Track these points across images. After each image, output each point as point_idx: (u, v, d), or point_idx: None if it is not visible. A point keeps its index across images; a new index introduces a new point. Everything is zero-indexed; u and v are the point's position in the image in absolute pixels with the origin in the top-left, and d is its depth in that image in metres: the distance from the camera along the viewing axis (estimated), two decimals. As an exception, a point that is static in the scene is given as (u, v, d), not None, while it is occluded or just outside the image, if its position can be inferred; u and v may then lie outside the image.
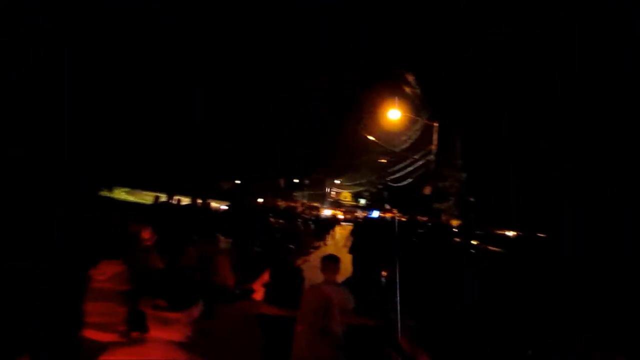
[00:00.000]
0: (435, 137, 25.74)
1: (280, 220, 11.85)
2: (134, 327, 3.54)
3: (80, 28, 14.86)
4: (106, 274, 3.80)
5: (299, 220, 14.29)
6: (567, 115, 17.09)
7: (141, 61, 18.24)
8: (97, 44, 16.11)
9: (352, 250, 10.43)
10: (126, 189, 25.09)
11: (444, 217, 26.70)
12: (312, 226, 16.90)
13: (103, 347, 3.31)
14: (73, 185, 15.13)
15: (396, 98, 27.06)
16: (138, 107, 18.55)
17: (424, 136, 28.18)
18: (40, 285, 4.11)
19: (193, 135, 22.36)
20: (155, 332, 1.84)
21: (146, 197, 27.19)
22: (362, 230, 11.07)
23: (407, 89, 26.04)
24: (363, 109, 33.30)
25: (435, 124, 25.58)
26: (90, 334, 3.71)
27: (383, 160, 54.38)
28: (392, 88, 28.19)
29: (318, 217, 23.03)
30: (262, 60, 24.50)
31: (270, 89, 26.33)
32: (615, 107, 14.61)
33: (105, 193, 23.73)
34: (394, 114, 27.10)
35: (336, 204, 57.78)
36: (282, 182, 31.23)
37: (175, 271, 1.96)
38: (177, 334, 1.84)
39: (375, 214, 24.01)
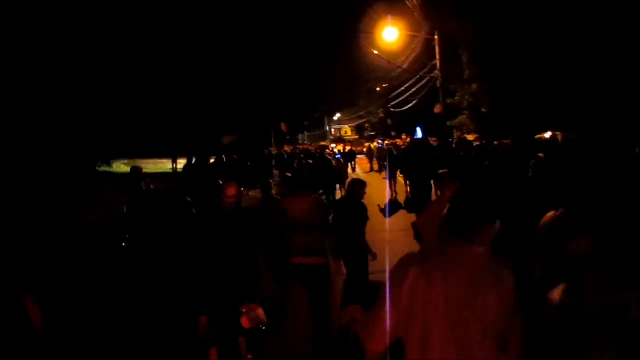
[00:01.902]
0: (437, 51, 24.17)
1: (310, 161, 11.45)
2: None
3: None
4: (298, 209, 4.66)
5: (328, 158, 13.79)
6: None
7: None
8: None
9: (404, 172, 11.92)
10: (125, 161, 23.91)
11: (457, 134, 25.54)
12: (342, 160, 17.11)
13: (311, 269, 4.62)
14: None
15: (389, 16, 25.27)
16: (121, 69, 17.05)
17: (425, 53, 26.54)
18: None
19: (184, 91, 20.86)
20: (456, 244, 1.92)
21: (148, 166, 26.04)
22: (413, 153, 10.83)
23: (398, 8, 24.23)
24: (354, 34, 31.28)
25: (436, 37, 23.92)
26: (299, 260, 4.61)
27: (379, 89, 52.75)
28: (383, 5, 26.32)
29: (335, 153, 22.36)
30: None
31: (257, 27, 24.49)
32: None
33: (104, 168, 22.63)
34: (390, 34, 25.32)
35: (339, 140, 56.61)
36: (284, 126, 29.83)
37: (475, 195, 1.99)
38: (481, 245, 1.89)
39: (420, 133, 22.86)
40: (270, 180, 6.76)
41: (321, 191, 5.61)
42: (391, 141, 30.49)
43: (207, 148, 22.75)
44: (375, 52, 23.94)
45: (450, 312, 1.83)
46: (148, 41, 18.10)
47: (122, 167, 23.52)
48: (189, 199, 5.06)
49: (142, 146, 21.83)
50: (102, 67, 16.82)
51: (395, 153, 16.39)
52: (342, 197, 5.74)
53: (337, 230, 5.22)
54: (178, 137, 21.82)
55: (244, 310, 3.99)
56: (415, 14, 21.77)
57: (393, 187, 14.32)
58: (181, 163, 23.20)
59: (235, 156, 13.06)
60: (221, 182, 5.02)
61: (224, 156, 12.48)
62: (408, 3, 20.53)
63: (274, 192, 6.46)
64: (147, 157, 22.19)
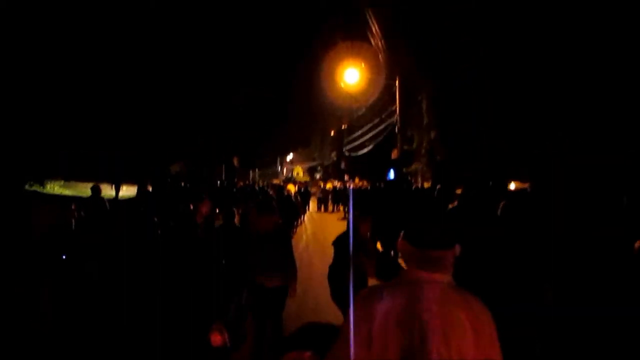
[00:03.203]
0: (397, 95, 24.07)
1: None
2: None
3: None
4: (265, 227, 4.87)
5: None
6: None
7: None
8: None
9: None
10: (60, 182, 22.09)
11: (411, 179, 25.24)
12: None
13: (271, 291, 4.83)
14: None
15: (350, 58, 25.10)
16: (68, 81, 15.76)
17: (384, 96, 26.47)
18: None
19: (131, 114, 19.64)
20: (421, 273, 1.80)
21: (87, 190, 24.19)
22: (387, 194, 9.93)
23: (363, 48, 24.13)
24: (311, 72, 30.97)
25: (397, 83, 23.87)
26: (260, 280, 4.84)
27: (332, 133, 52.92)
28: (343, 44, 26.14)
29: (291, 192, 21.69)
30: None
31: (212, 59, 23.75)
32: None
33: (37, 188, 20.76)
34: (351, 76, 25.08)
35: (289, 181, 56.04)
36: (236, 160, 28.89)
37: (435, 210, 2.00)
38: (445, 274, 1.80)
39: (392, 174, 22.30)
40: (234, 209, 6.63)
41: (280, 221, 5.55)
42: (342, 183, 30.09)
43: (154, 175, 21.42)
44: (342, 84, 23.49)
45: (429, 346, 1.70)
46: (96, 57, 16.98)
47: (56, 188, 21.69)
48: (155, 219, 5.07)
49: (81, 168, 20.22)
50: (44, 79, 15.52)
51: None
52: (344, 233, 5.48)
53: (337, 276, 5.13)
54: (122, 162, 20.46)
55: (212, 328, 4.00)
56: (380, 56, 21.61)
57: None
58: (123, 190, 21.70)
59: (188, 185, 12.30)
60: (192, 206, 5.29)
61: (182, 183, 11.79)
62: (372, 42, 20.31)
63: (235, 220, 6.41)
64: (85, 179, 20.50)
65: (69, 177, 21.71)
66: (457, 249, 1.85)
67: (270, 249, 4.85)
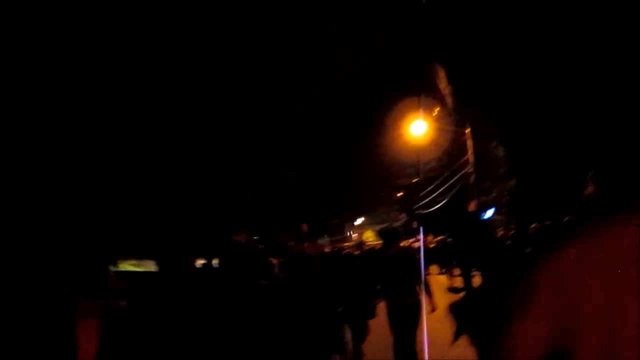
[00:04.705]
0: (469, 145, 22.83)
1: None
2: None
3: None
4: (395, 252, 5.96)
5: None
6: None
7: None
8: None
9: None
10: (133, 261, 22.22)
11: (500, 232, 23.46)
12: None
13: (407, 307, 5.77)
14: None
15: (416, 111, 24.34)
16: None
17: (454, 148, 25.28)
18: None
19: (195, 186, 19.68)
20: None
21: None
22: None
23: (429, 98, 23.36)
24: (377, 137, 30.51)
25: (467, 131, 22.71)
26: (398, 299, 5.79)
27: (400, 194, 51.82)
28: (408, 101, 25.51)
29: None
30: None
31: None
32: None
33: (112, 268, 20.92)
34: (419, 127, 24.14)
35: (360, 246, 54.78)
36: (304, 227, 28.13)
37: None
38: None
39: (490, 213, 21.03)
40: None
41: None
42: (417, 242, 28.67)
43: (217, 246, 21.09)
44: (409, 140, 22.60)
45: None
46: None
47: (128, 267, 21.79)
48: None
49: (150, 246, 20.32)
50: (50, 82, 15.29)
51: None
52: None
53: None
54: (190, 236, 20.40)
55: None
56: (447, 99, 20.79)
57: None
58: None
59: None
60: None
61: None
62: (440, 88, 19.54)
63: None
64: (150, 257, 20.54)
65: (140, 255, 21.87)
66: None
67: (403, 271, 5.68)
